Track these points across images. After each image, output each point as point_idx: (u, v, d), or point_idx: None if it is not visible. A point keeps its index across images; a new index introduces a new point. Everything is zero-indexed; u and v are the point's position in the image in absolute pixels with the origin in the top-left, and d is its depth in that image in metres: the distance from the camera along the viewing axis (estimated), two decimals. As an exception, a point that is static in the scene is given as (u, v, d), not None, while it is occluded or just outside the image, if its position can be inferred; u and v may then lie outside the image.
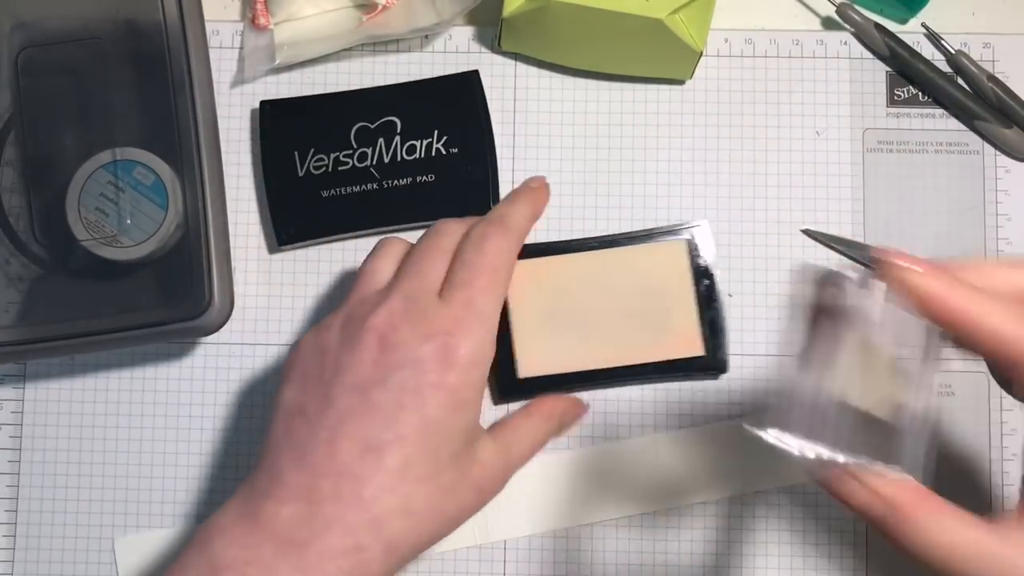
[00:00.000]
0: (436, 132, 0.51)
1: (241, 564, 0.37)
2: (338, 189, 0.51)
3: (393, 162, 0.51)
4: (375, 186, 0.51)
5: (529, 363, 0.49)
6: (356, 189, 0.51)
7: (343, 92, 0.52)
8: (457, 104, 0.51)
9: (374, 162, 0.51)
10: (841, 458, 0.31)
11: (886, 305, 0.31)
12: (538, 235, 0.51)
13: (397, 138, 0.51)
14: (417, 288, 0.41)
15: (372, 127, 0.51)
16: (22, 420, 0.52)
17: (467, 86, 0.51)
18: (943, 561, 0.31)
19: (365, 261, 0.44)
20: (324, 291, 0.52)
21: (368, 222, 0.51)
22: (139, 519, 0.51)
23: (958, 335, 0.31)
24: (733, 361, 0.50)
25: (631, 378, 0.50)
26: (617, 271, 0.50)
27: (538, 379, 0.49)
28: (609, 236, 0.50)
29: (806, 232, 0.51)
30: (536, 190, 0.46)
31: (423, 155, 0.51)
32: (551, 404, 0.47)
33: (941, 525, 0.31)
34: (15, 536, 0.51)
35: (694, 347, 0.49)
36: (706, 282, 0.50)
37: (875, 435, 0.32)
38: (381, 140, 0.51)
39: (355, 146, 0.51)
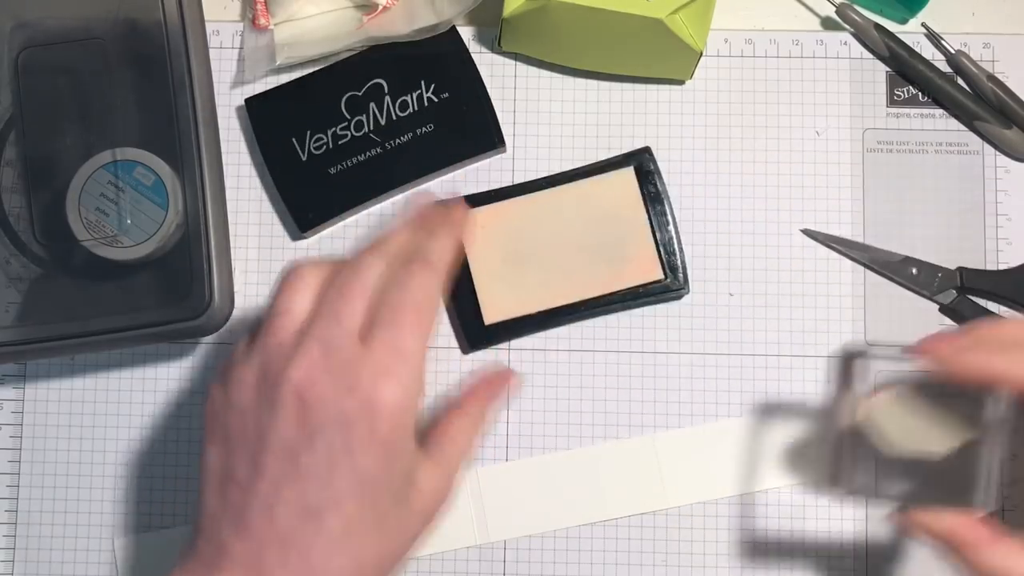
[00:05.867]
0: (423, 82, 0.51)
1: None
2: (344, 163, 0.51)
3: (390, 122, 0.51)
4: (379, 150, 0.51)
5: (494, 309, 0.50)
6: (362, 158, 0.51)
7: (322, 68, 0.52)
8: (439, 53, 0.51)
9: (371, 127, 0.51)
10: (913, 505, 0.41)
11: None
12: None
13: (387, 98, 0.51)
14: (336, 334, 0.38)
15: (360, 94, 0.51)
16: (22, 420, 0.52)
17: (446, 37, 0.51)
18: None
19: (276, 296, 0.40)
20: (324, 291, 0.52)
21: (382, 186, 0.51)
22: (139, 519, 0.51)
23: (991, 386, 0.40)
24: (733, 360, 0.50)
25: (596, 310, 0.50)
26: (569, 207, 0.50)
27: (504, 323, 0.50)
28: (557, 174, 0.51)
29: (806, 232, 0.52)
30: (454, 211, 0.44)
31: (416, 107, 0.51)
32: (483, 390, 0.45)
33: (1003, 553, 0.38)
34: (15, 536, 0.51)
35: (653, 272, 0.50)
36: (658, 207, 0.50)
37: (950, 477, 0.42)
38: (372, 104, 0.51)
39: (348, 116, 0.51)
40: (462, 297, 0.50)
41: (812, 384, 0.50)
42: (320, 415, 0.37)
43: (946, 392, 0.43)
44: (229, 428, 0.39)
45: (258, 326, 0.40)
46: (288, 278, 0.40)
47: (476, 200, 0.51)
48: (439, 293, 0.41)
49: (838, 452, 0.44)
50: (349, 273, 0.40)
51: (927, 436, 0.42)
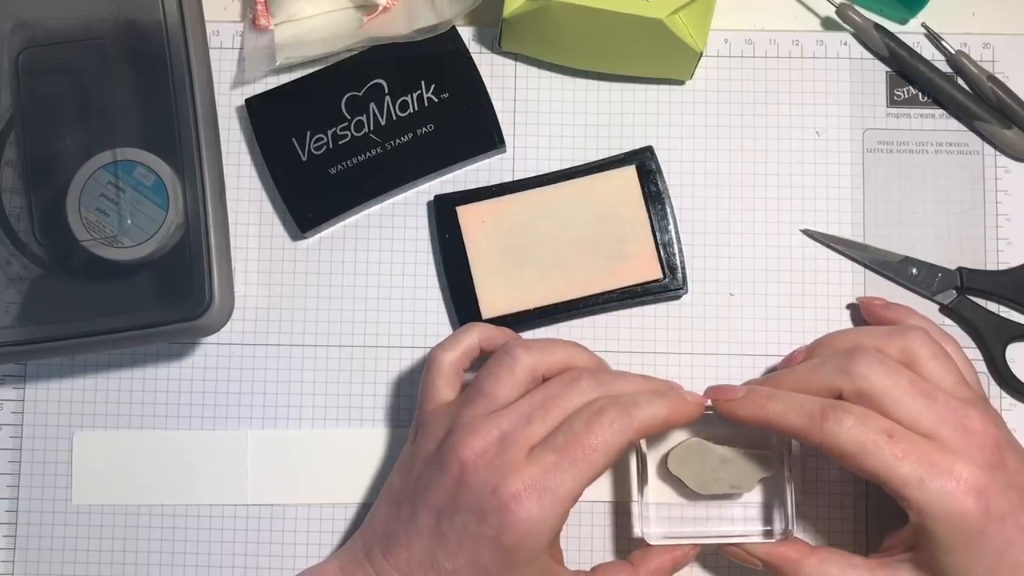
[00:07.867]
0: (423, 82, 0.51)
1: None
2: (345, 163, 0.51)
3: (390, 122, 0.51)
4: (379, 150, 0.51)
5: (491, 304, 0.50)
6: (362, 158, 0.51)
7: (323, 69, 0.52)
8: (439, 53, 0.51)
9: (371, 128, 0.51)
10: (736, 538, 0.47)
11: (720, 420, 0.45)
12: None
13: (387, 98, 0.51)
14: (517, 435, 0.42)
15: (360, 94, 0.51)
16: (22, 420, 0.52)
17: (446, 37, 0.51)
18: None
19: (489, 376, 0.44)
20: (325, 289, 0.52)
21: (383, 186, 0.51)
22: (139, 519, 0.51)
23: (774, 430, 0.44)
24: (733, 360, 0.51)
25: (594, 308, 0.50)
26: (570, 204, 0.50)
27: (502, 319, 0.50)
28: (559, 171, 0.51)
29: (806, 232, 0.52)
30: (688, 403, 0.44)
31: (416, 108, 0.51)
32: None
33: (825, 567, 0.43)
34: (15, 536, 0.51)
35: (652, 271, 0.50)
36: (659, 206, 0.50)
37: (763, 508, 0.49)
38: (372, 105, 0.51)
39: (348, 117, 0.51)
40: (460, 291, 0.50)
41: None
42: (466, 497, 0.42)
43: (735, 437, 0.47)
44: (412, 468, 0.45)
45: (469, 389, 0.45)
46: (504, 361, 0.44)
47: (477, 195, 0.51)
48: (619, 447, 0.42)
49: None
50: (561, 390, 0.43)
51: (725, 476, 0.46)
